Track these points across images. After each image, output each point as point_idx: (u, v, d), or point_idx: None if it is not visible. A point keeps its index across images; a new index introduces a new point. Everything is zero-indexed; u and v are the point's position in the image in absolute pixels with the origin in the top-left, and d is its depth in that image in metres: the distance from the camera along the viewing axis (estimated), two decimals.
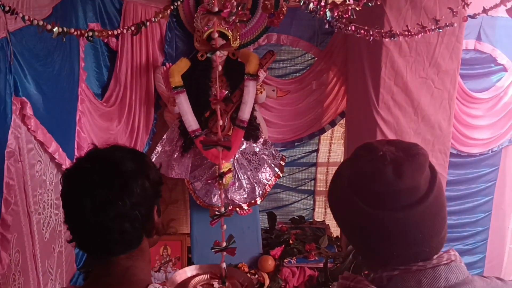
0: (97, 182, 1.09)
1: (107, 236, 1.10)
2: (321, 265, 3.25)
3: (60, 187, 1.16)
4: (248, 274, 3.27)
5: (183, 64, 3.20)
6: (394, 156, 1.02)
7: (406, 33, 2.11)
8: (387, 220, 1.00)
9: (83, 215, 1.08)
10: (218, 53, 1.31)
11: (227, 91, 3.21)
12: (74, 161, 1.18)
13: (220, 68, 1.31)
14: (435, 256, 1.04)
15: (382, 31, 2.15)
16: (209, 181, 3.04)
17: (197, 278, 1.96)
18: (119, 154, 1.16)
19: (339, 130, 3.87)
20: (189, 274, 2.03)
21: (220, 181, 1.34)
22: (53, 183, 2.48)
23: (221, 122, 1.41)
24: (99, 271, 1.16)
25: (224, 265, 1.56)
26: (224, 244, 1.42)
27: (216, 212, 1.39)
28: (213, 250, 1.45)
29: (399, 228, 1.00)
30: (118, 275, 1.14)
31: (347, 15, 1.60)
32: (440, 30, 2.09)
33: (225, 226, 1.45)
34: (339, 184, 1.11)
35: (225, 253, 1.46)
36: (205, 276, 1.91)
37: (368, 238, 1.04)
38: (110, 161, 1.14)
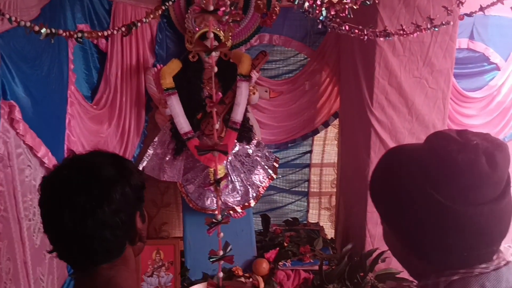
0: (74, 189, 1.05)
1: (87, 245, 1.06)
2: (316, 267, 3.22)
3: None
4: (243, 278, 3.24)
5: (174, 66, 3.16)
6: (485, 147, 0.92)
7: (401, 32, 2.09)
8: (470, 216, 0.91)
9: (62, 225, 1.04)
10: (214, 54, 1.26)
11: (219, 92, 3.17)
12: (52, 168, 1.13)
13: (216, 69, 1.27)
14: (494, 257, 0.97)
15: (376, 30, 2.12)
16: (206, 187, 3.00)
17: None
18: (98, 159, 1.13)
19: (332, 131, 3.84)
20: None
21: (218, 188, 1.30)
22: None
23: (217, 126, 1.37)
24: (81, 282, 1.12)
25: (221, 274, 1.52)
26: (221, 252, 1.38)
27: (213, 220, 1.35)
28: (210, 260, 1.41)
29: (481, 224, 0.91)
30: (100, 286, 1.09)
31: (344, 14, 1.57)
32: (436, 29, 2.07)
33: (221, 234, 1.41)
34: (403, 175, 0.99)
35: (222, 261, 1.43)
36: None
37: (439, 237, 0.94)
38: (88, 167, 1.10)
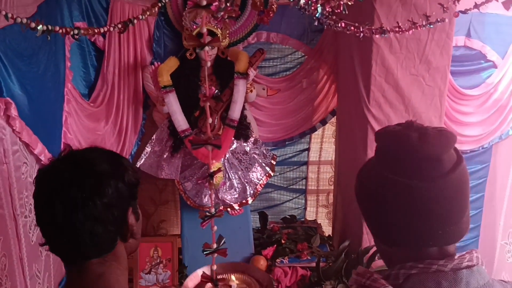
0: (67, 182, 1.05)
1: (77, 239, 1.06)
2: (314, 264, 3.23)
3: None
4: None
5: (172, 63, 3.16)
6: (421, 126, 1.02)
7: (397, 29, 2.09)
8: (411, 189, 0.97)
9: (53, 217, 1.05)
10: (206, 48, 1.26)
11: (216, 90, 3.17)
12: (48, 162, 1.14)
13: (209, 64, 1.27)
14: (456, 256, 1.01)
15: (373, 27, 2.13)
16: (200, 181, 3.00)
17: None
18: (93, 154, 1.13)
19: (330, 129, 3.85)
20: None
21: (211, 181, 1.31)
22: None
23: (210, 120, 1.38)
24: (71, 277, 1.11)
25: (215, 267, 1.53)
26: (214, 245, 1.38)
27: (207, 213, 1.35)
28: (204, 253, 1.41)
29: (415, 199, 0.97)
30: (90, 283, 1.08)
31: (339, 10, 1.58)
32: (431, 26, 2.08)
33: (215, 227, 1.41)
34: (366, 164, 1.10)
35: (216, 254, 1.43)
36: (222, 276, 1.86)
37: (383, 208, 1.02)
38: (82, 161, 1.10)
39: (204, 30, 1.26)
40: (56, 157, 1.14)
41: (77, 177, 1.06)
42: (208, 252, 1.39)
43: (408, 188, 0.98)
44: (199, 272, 2.01)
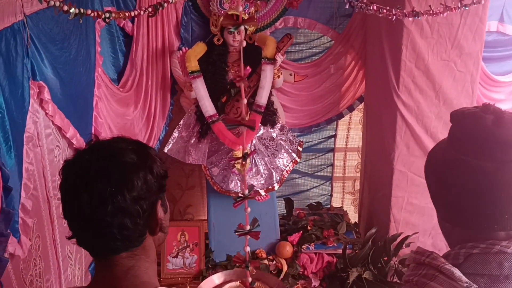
0: (94, 174, 1.02)
1: (106, 232, 1.02)
2: (340, 251, 3.23)
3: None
4: (266, 261, 3.26)
5: (200, 49, 3.16)
6: (499, 110, 1.01)
7: (430, 12, 2.04)
8: (483, 171, 0.97)
9: (81, 209, 1.01)
10: (242, 28, 1.25)
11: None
12: (74, 152, 1.11)
13: (244, 43, 1.26)
14: None
15: (405, 10, 2.08)
16: (231, 161, 3.00)
17: (227, 286, 1.89)
18: (120, 145, 1.09)
19: (357, 115, 3.81)
20: (217, 282, 1.96)
21: (244, 162, 1.30)
22: None
23: (245, 101, 1.37)
24: (100, 271, 1.09)
25: (248, 249, 1.53)
26: (248, 227, 1.38)
27: (240, 195, 1.35)
28: (236, 233, 1.42)
29: (485, 181, 0.97)
30: (119, 276, 1.06)
31: None
32: (466, 8, 2.03)
33: (249, 209, 1.41)
34: (437, 144, 1.10)
35: (248, 236, 1.43)
36: (236, 283, 1.87)
37: (453, 189, 1.01)
38: (109, 152, 1.06)
39: (240, 9, 1.25)
40: (83, 148, 1.10)
41: (105, 169, 1.03)
42: (241, 233, 1.39)
43: (479, 170, 0.97)
44: (214, 277, 2.03)
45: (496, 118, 0.98)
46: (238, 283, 1.90)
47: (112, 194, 1.00)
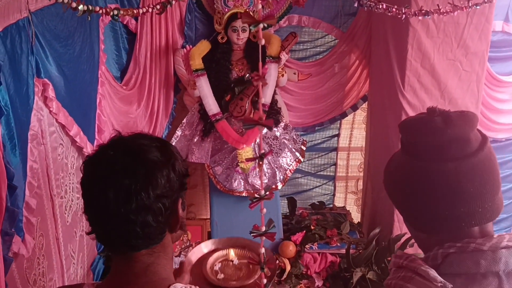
0: (120, 171, 1.01)
1: (129, 229, 1.02)
2: (343, 251, 3.21)
3: (81, 173, 1.08)
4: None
5: (204, 47, 3.14)
6: (444, 110, 1.04)
7: (439, 11, 2.03)
8: (438, 172, 0.99)
9: (104, 206, 1.01)
10: (261, 25, 1.23)
11: (247, 74, 3.15)
12: (96, 148, 1.10)
13: (263, 42, 1.23)
14: (495, 235, 1.00)
15: (415, 10, 2.07)
16: (248, 162, 2.97)
17: (215, 255, 1.88)
18: (144, 142, 1.08)
19: (361, 114, 3.79)
20: (205, 251, 1.95)
21: (261, 162, 1.28)
22: (74, 167, 2.46)
23: (263, 100, 1.34)
24: (119, 267, 1.09)
25: (263, 250, 1.51)
26: (263, 228, 1.37)
27: (256, 195, 1.34)
28: (252, 234, 1.40)
29: (449, 181, 0.98)
30: (138, 272, 1.07)
31: None
32: (478, 7, 2.01)
33: (264, 210, 1.40)
34: (393, 157, 1.12)
35: (264, 237, 1.42)
36: (224, 252, 1.87)
37: (420, 197, 1.02)
38: (134, 149, 1.06)
39: (259, 7, 1.22)
40: (106, 143, 1.10)
41: (130, 166, 1.02)
42: (256, 234, 1.38)
43: (441, 173, 0.99)
44: (202, 246, 2.01)
45: (444, 118, 1.01)
46: (225, 251, 1.90)
47: (137, 191, 1.00)
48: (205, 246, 2.02)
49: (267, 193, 1.29)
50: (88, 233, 1.10)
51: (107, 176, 1.02)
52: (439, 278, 0.95)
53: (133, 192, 1.00)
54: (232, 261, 1.88)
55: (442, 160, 0.98)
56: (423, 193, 1.01)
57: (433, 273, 0.96)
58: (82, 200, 1.08)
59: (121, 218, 1.02)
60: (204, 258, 1.89)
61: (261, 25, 1.17)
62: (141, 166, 1.03)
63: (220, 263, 1.87)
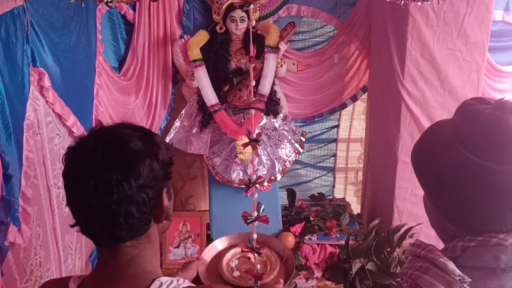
0: (100, 161, 0.99)
1: (112, 221, 1.01)
2: (343, 242, 3.20)
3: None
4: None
5: (202, 37, 3.13)
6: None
7: None
8: (494, 173, 0.92)
9: (86, 198, 0.99)
10: (252, 6, 1.21)
11: (246, 64, 3.13)
12: (77, 139, 1.08)
13: (253, 23, 1.22)
14: None
15: None
16: (238, 137, 2.93)
17: (231, 252, 1.86)
18: (125, 131, 1.06)
19: (360, 105, 3.77)
20: (220, 248, 1.92)
21: (256, 144, 1.27)
22: None
23: (253, 83, 1.33)
24: (104, 259, 1.08)
25: (255, 236, 1.51)
26: (255, 213, 1.36)
27: (248, 180, 1.33)
28: (246, 221, 1.39)
29: (506, 184, 0.92)
30: (123, 265, 1.05)
31: None
32: None
33: (256, 195, 1.39)
34: (437, 136, 1.03)
35: (256, 223, 1.41)
36: (239, 249, 1.84)
37: (463, 194, 0.95)
38: (115, 139, 1.04)
39: None
40: (87, 134, 1.08)
41: (111, 156, 1.00)
42: (250, 220, 1.37)
43: (500, 174, 0.92)
44: (217, 243, 1.99)
45: None
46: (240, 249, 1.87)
47: (119, 182, 0.98)
48: (220, 243, 1.98)
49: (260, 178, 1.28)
50: (72, 226, 1.08)
51: (88, 167, 1.00)
52: (458, 271, 0.91)
53: (114, 183, 0.98)
54: (250, 258, 1.85)
55: (504, 163, 0.92)
56: (469, 189, 0.95)
57: (451, 265, 0.92)
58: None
59: (103, 209, 0.99)
60: (221, 254, 1.86)
61: (251, 6, 1.15)
62: (122, 156, 1.01)
63: (237, 260, 1.85)
